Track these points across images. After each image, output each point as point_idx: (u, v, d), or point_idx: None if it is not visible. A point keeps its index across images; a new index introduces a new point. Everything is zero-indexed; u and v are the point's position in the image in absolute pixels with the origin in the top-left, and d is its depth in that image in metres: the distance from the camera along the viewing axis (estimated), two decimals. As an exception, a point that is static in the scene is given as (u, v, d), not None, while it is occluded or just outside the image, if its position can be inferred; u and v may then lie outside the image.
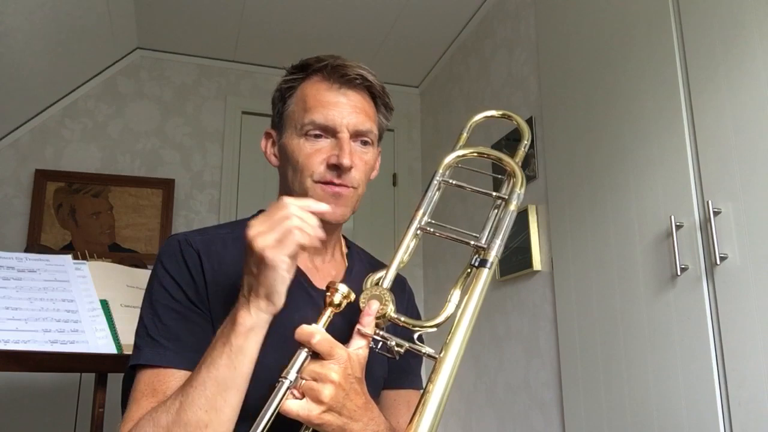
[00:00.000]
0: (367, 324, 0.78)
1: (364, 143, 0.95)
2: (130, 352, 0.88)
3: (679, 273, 1.54)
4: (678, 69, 1.63)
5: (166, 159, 3.22)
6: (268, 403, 0.70)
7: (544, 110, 2.30)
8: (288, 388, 0.71)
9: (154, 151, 3.21)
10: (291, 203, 0.75)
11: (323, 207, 0.78)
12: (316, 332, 0.74)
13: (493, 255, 0.84)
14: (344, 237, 1.09)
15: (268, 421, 0.70)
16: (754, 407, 1.34)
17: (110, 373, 1.44)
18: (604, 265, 1.86)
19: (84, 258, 1.79)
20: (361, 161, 0.94)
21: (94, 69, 3.15)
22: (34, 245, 2.73)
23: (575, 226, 2.03)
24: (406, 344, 0.78)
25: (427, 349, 0.79)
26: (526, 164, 2.41)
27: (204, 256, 0.90)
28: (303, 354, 0.74)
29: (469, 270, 0.85)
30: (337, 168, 0.90)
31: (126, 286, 1.53)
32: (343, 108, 0.92)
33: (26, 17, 2.37)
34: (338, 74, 0.93)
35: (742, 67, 1.44)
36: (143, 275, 1.58)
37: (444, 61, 3.39)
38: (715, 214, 1.45)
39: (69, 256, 1.49)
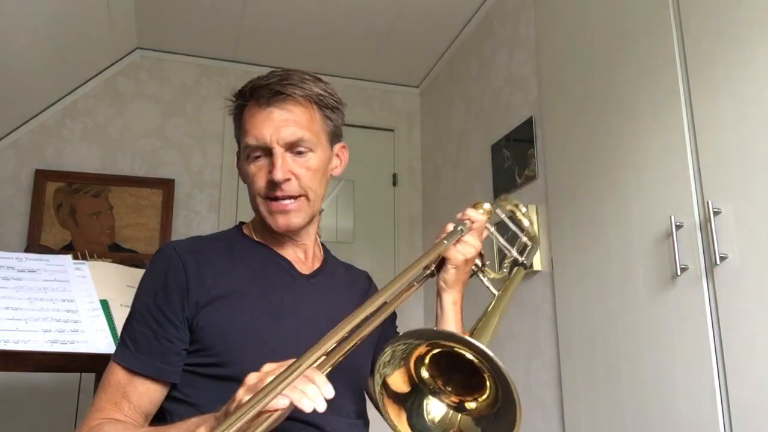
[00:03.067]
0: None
1: (300, 153, 0.99)
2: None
3: (679, 273, 1.54)
4: (678, 69, 1.63)
5: (166, 159, 3.22)
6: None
7: (544, 110, 2.30)
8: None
9: (154, 151, 3.20)
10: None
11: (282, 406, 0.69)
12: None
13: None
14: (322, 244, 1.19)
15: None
16: (754, 407, 1.34)
17: (110, 374, 1.43)
18: (604, 265, 1.86)
19: (84, 258, 1.79)
20: (303, 168, 0.99)
21: (94, 69, 3.15)
22: (34, 245, 2.74)
23: (575, 226, 2.03)
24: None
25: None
26: (526, 164, 2.41)
27: (191, 264, 0.96)
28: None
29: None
30: (275, 183, 0.97)
31: (126, 286, 1.53)
32: (271, 125, 0.97)
33: (26, 17, 2.37)
34: (263, 94, 0.98)
35: (742, 67, 1.44)
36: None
37: (444, 61, 3.39)
38: (715, 214, 1.45)
39: (69, 256, 1.49)
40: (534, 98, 2.41)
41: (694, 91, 1.57)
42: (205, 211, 3.21)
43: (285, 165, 0.97)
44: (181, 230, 3.12)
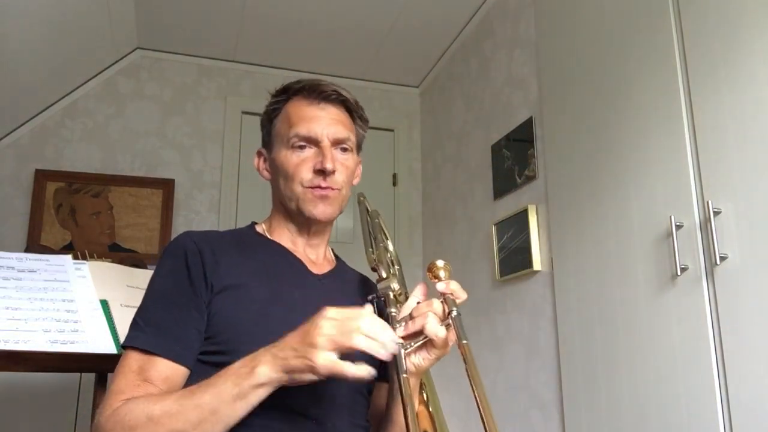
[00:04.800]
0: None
1: (344, 150, 1.07)
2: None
3: (679, 273, 1.54)
4: (678, 69, 1.63)
5: (166, 159, 3.22)
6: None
7: (544, 110, 2.30)
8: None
9: (154, 151, 3.20)
10: (366, 318, 0.80)
11: (385, 356, 0.79)
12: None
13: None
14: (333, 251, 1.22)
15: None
16: (754, 407, 1.34)
17: (110, 374, 1.43)
18: (604, 265, 1.86)
19: (84, 258, 1.79)
20: (343, 166, 1.06)
21: (94, 69, 3.15)
22: (34, 245, 2.74)
23: (575, 226, 2.03)
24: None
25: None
26: (526, 164, 2.41)
27: (207, 251, 0.99)
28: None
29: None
30: (323, 172, 1.02)
31: (126, 286, 1.53)
32: (323, 120, 1.05)
33: (26, 17, 2.37)
34: (316, 92, 1.06)
35: (742, 67, 1.44)
36: (143, 275, 1.58)
37: (444, 61, 3.39)
38: (715, 214, 1.45)
39: (69, 256, 1.49)
40: (534, 98, 2.41)
41: (694, 91, 1.57)
42: (205, 211, 3.21)
43: (335, 158, 1.04)
44: (181, 230, 3.07)
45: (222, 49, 3.31)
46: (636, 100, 1.78)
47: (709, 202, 1.46)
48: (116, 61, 3.22)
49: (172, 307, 0.94)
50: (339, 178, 1.04)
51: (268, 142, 1.11)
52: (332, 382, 0.84)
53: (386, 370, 1.04)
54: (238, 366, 0.83)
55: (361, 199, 1.30)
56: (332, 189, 1.04)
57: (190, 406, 0.82)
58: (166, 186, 3.14)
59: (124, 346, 0.94)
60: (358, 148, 1.13)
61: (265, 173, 1.12)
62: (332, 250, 1.19)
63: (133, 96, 3.24)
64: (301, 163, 1.04)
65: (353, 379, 0.77)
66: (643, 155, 1.74)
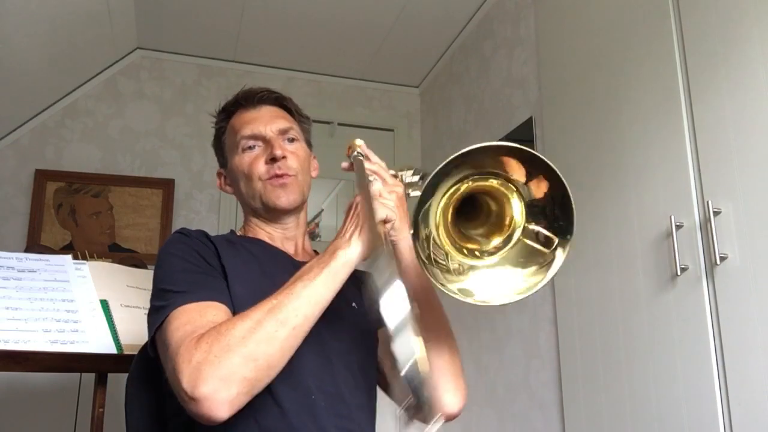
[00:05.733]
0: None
1: (291, 141, 1.14)
2: (130, 352, 0.90)
3: (679, 273, 1.54)
4: (678, 69, 1.63)
5: (166, 159, 3.21)
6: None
7: (544, 110, 2.30)
8: None
9: (154, 151, 3.20)
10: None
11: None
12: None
13: None
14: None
15: None
16: (754, 407, 1.34)
17: (110, 373, 1.44)
18: (604, 265, 1.86)
19: (84, 258, 1.79)
20: (293, 154, 1.12)
21: (94, 69, 3.14)
22: (34, 245, 2.73)
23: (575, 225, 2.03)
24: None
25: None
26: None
27: (207, 241, 1.04)
28: None
29: None
30: (274, 160, 1.08)
31: (126, 286, 1.53)
32: (263, 117, 1.13)
33: (26, 17, 2.37)
34: (250, 98, 1.15)
35: (742, 67, 1.44)
36: (143, 275, 1.58)
37: (444, 61, 3.39)
38: (715, 214, 1.45)
39: (69, 256, 1.49)
40: (534, 98, 2.41)
41: (694, 91, 1.57)
42: (205, 211, 3.20)
43: (283, 146, 1.11)
44: (181, 230, 3.11)
45: (222, 49, 3.31)
46: (636, 100, 1.78)
47: (709, 202, 1.46)
48: (116, 61, 3.22)
49: (197, 272, 0.96)
50: (292, 164, 1.10)
51: (223, 160, 1.20)
52: (340, 361, 0.95)
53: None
54: (315, 260, 0.91)
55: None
56: (288, 175, 1.09)
57: (284, 298, 0.85)
58: (166, 186, 3.14)
59: (162, 321, 0.89)
60: (308, 143, 1.20)
61: (228, 188, 1.19)
62: (309, 240, 1.24)
63: (133, 96, 3.24)
64: (253, 161, 1.10)
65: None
66: (643, 155, 1.74)
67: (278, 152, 1.08)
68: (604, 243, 1.87)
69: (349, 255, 0.89)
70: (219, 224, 3.15)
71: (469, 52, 3.09)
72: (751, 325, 1.36)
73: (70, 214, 2.98)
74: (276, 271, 1.03)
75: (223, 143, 1.20)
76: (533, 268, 0.86)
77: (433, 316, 1.01)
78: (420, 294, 0.98)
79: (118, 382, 1.25)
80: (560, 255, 0.84)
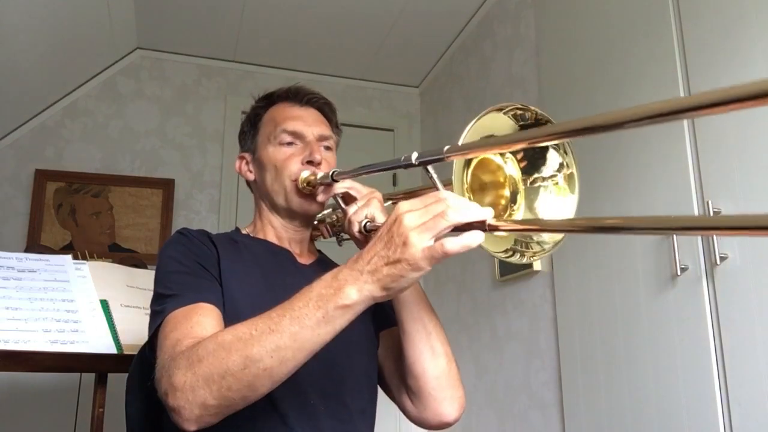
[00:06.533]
0: None
1: (327, 149, 1.12)
2: (130, 352, 0.90)
3: (679, 273, 1.54)
4: (678, 69, 1.63)
5: (166, 159, 3.21)
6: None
7: (544, 110, 2.29)
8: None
9: (154, 151, 3.20)
10: (449, 195, 0.69)
11: (486, 214, 0.69)
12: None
13: None
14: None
15: None
16: (754, 407, 1.34)
17: (110, 373, 1.44)
18: (604, 265, 1.86)
19: (84, 258, 1.79)
20: (327, 162, 1.10)
21: (94, 69, 3.14)
22: (34, 245, 2.73)
23: (575, 226, 2.03)
24: None
25: None
26: (526, 164, 2.41)
27: (208, 242, 1.03)
28: None
29: None
30: (311, 164, 1.06)
31: (126, 286, 1.53)
32: (308, 118, 1.12)
33: (26, 17, 2.37)
34: (299, 95, 1.14)
35: (742, 66, 1.44)
36: (143, 275, 1.58)
37: (444, 61, 3.39)
38: (715, 214, 1.45)
39: (69, 256, 1.49)
40: (534, 98, 2.41)
41: (694, 91, 1.57)
42: (205, 211, 3.21)
43: (321, 151, 1.09)
44: (181, 230, 3.11)
45: (222, 49, 3.31)
46: (636, 100, 1.78)
47: (709, 202, 1.46)
48: (116, 61, 3.22)
49: (187, 273, 0.95)
50: (326, 171, 1.08)
51: (251, 145, 1.16)
52: (341, 363, 0.91)
53: (388, 319, 1.08)
54: (318, 287, 0.73)
55: None
56: None
57: (265, 331, 0.73)
58: (166, 186, 3.14)
59: (158, 324, 0.90)
60: (336, 149, 1.19)
61: (249, 174, 1.16)
62: (314, 242, 1.23)
63: (133, 96, 3.24)
64: (289, 158, 1.08)
65: (465, 250, 0.66)
66: (644, 155, 1.74)
67: (317, 157, 1.06)
68: (604, 243, 1.87)
69: (357, 297, 0.71)
70: (219, 224, 3.15)
71: (469, 52, 3.09)
72: (751, 326, 1.36)
73: (70, 214, 2.98)
74: (278, 275, 1.02)
75: (258, 130, 1.15)
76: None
77: (429, 323, 0.99)
78: (414, 305, 0.97)
79: (118, 382, 1.25)
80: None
